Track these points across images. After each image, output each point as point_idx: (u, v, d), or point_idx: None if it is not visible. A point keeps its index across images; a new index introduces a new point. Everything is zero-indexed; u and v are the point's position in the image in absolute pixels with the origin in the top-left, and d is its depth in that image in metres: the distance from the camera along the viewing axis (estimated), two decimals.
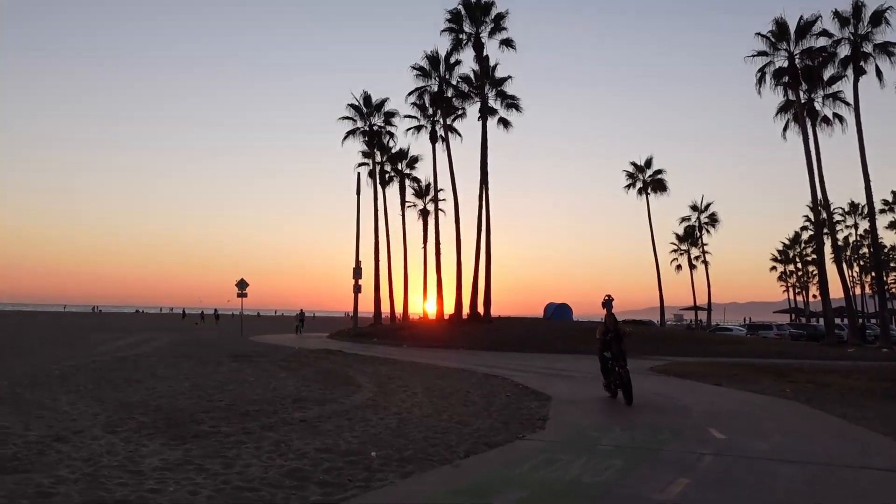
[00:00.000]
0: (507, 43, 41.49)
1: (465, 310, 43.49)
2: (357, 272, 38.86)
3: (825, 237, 43.21)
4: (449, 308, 45.36)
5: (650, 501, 6.17)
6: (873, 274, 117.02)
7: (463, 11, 41.55)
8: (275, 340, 38.16)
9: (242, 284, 46.11)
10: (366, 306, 54.55)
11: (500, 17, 41.37)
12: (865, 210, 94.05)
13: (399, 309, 56.63)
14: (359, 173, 41.36)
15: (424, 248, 59.02)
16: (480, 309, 42.35)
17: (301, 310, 57.34)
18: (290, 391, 14.26)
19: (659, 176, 65.53)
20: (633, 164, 66.20)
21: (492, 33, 41.55)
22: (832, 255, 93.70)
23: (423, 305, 58.78)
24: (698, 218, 74.22)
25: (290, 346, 32.65)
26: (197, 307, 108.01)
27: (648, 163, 65.75)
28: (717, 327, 61.51)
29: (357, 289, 39.00)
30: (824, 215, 41.43)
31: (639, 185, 66.08)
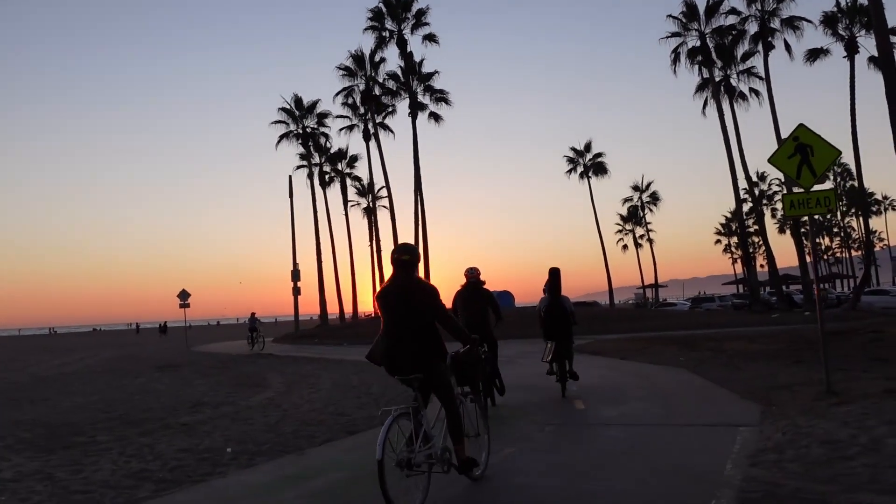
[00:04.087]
0: (431, 38, 41.94)
1: None
2: (295, 275, 39.01)
3: (742, 206, 44.43)
4: None
5: None
6: (815, 241, 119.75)
7: (384, 9, 41.84)
8: (219, 349, 38.00)
9: (184, 295, 45.79)
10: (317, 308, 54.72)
11: (422, 12, 41.78)
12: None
13: (350, 308, 56.95)
14: (290, 177, 41.49)
15: (371, 246, 59.36)
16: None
17: (252, 314, 39.91)
18: (195, 397, 14.48)
19: (599, 159, 66.44)
20: (573, 148, 67.11)
21: (414, 29, 41.95)
22: (776, 225, 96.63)
23: (373, 303, 59.11)
24: (640, 197, 75.69)
25: (228, 353, 32.68)
26: (157, 321, 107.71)
27: (588, 147, 66.70)
28: (663, 303, 62.81)
29: (296, 291, 39.18)
30: (747, 187, 42.68)
31: (580, 169, 67.01)
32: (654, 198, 74.87)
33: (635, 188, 75.95)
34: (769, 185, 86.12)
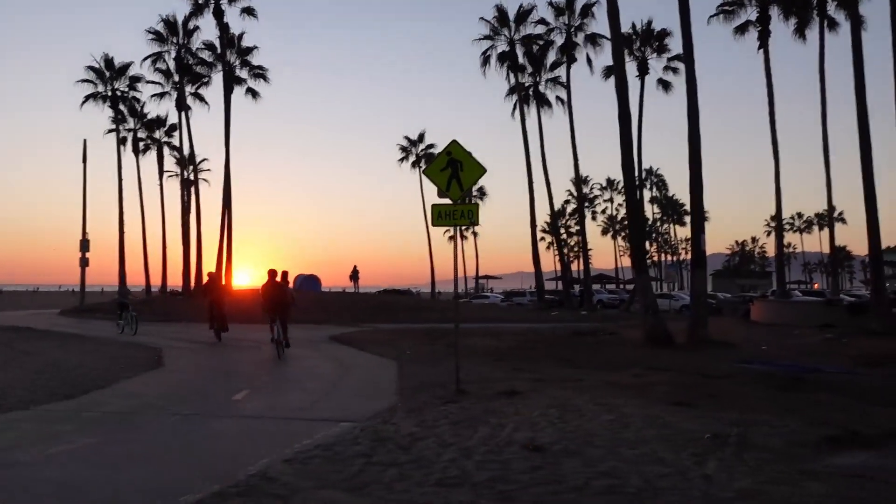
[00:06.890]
0: (249, 11, 40.78)
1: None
2: (84, 245, 37.04)
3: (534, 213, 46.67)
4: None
5: None
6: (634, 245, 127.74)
7: None
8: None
9: None
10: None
11: None
12: (619, 185, 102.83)
13: (159, 280, 55.13)
14: (84, 140, 39.21)
15: (185, 219, 57.37)
16: (224, 281, 41.92)
17: (121, 285, 35.00)
18: None
19: (431, 150, 67.42)
20: (407, 137, 68.06)
21: (232, 0, 40.70)
22: (600, 227, 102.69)
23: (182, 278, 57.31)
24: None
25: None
26: None
27: (421, 137, 67.87)
28: (476, 295, 64.97)
29: (84, 262, 37.23)
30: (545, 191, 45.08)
31: (412, 158, 68.03)
32: (482, 192, 77.20)
33: None
34: (591, 188, 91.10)
